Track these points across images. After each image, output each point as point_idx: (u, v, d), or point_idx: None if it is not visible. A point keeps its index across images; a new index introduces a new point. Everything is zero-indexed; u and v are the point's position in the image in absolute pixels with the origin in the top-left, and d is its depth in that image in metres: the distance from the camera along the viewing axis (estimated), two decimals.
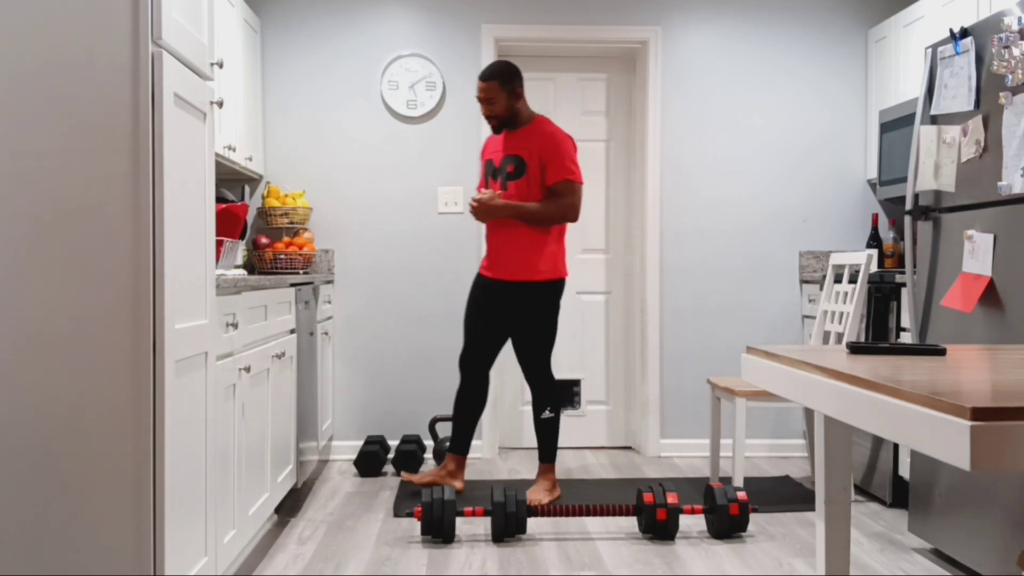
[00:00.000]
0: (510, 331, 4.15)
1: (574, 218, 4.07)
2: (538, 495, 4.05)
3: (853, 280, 4.44)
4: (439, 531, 3.50)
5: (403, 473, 4.24)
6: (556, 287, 4.11)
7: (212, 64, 2.60)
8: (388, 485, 4.44)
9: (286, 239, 4.79)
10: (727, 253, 5.15)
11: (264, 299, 3.29)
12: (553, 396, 4.15)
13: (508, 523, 3.52)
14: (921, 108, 3.39)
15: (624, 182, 5.35)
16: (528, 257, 4.07)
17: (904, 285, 3.87)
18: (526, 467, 4.83)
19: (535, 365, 4.13)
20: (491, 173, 4.21)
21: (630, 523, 3.82)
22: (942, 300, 3.26)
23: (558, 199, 4.05)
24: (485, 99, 4.11)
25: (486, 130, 5.05)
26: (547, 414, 4.14)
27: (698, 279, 5.15)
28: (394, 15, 5.06)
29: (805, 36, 5.15)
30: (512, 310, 4.10)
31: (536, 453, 5.17)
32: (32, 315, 2.12)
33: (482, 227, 5.05)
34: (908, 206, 3.42)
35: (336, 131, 5.06)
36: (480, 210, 4.06)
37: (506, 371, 5.28)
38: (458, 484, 4.17)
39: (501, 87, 4.09)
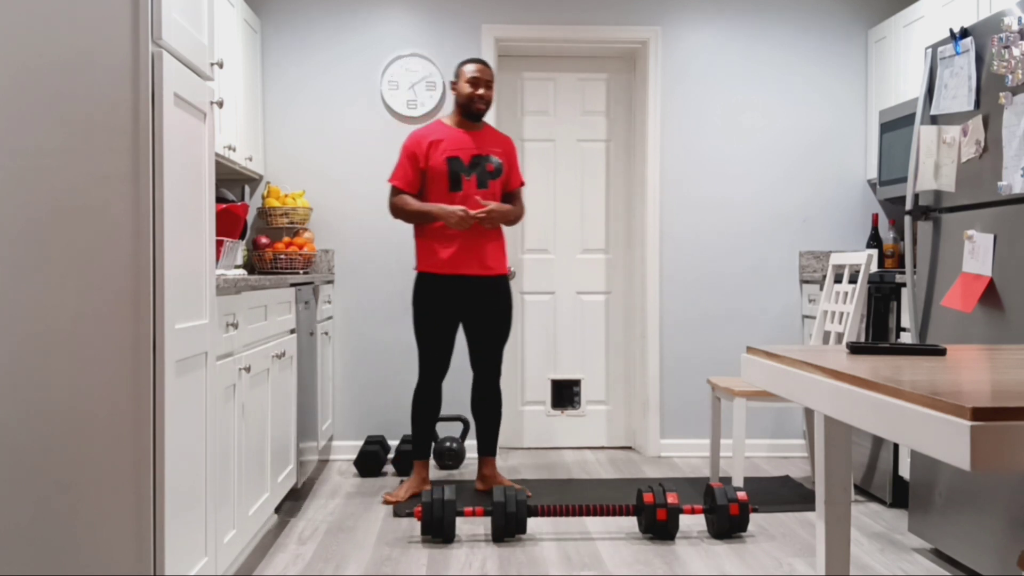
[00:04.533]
0: (479, 328, 4.17)
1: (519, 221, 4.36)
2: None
3: (853, 280, 4.44)
4: (439, 531, 3.50)
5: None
6: None
7: (212, 64, 2.60)
8: (388, 485, 4.44)
9: (286, 239, 4.79)
10: (727, 253, 5.15)
11: (264, 299, 3.29)
12: (500, 394, 4.29)
13: (508, 523, 3.52)
14: (921, 108, 3.39)
15: (624, 182, 5.35)
16: (503, 250, 4.21)
17: (904, 285, 3.87)
18: (526, 467, 4.83)
19: (498, 358, 4.22)
20: (461, 170, 4.08)
21: (630, 523, 3.82)
22: (942, 300, 3.26)
23: (518, 203, 4.25)
24: (486, 81, 4.13)
25: None
26: (499, 411, 4.28)
27: (698, 279, 5.14)
28: (394, 15, 5.06)
29: (805, 36, 5.15)
30: (493, 304, 4.15)
31: (535, 452, 5.18)
32: (32, 315, 2.12)
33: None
34: (908, 206, 3.42)
35: (336, 131, 5.06)
36: (499, 218, 4.07)
37: (506, 370, 5.28)
38: (427, 485, 4.23)
39: (494, 78, 4.21)
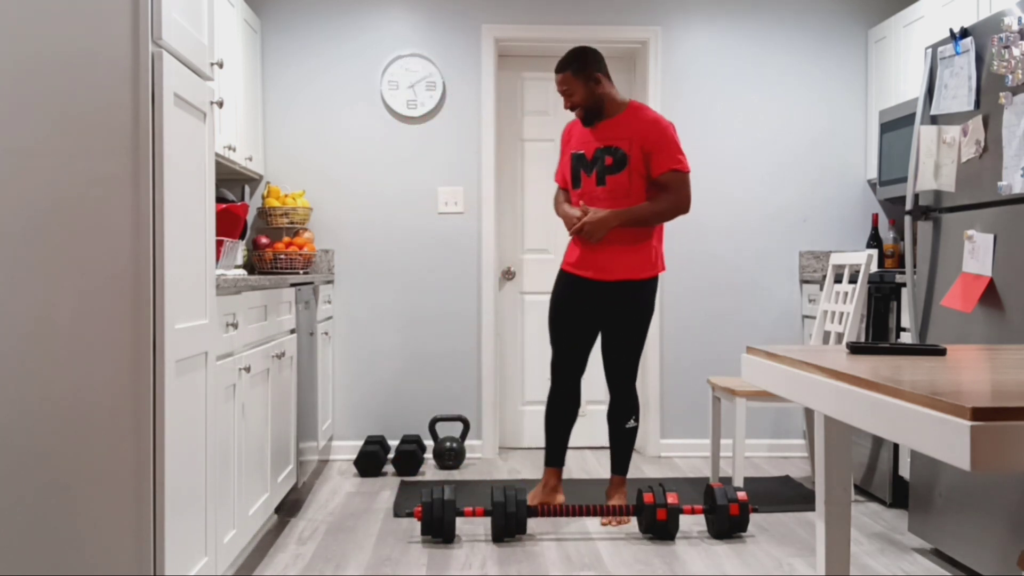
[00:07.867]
0: (606, 333, 3.85)
1: (686, 210, 3.76)
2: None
3: (853, 280, 4.44)
4: (439, 531, 3.50)
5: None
6: (655, 285, 3.85)
7: (212, 64, 2.60)
8: (388, 485, 4.44)
9: (286, 239, 4.79)
10: (727, 253, 5.15)
11: (264, 299, 3.29)
12: (637, 404, 3.90)
13: (508, 523, 3.52)
14: (921, 108, 3.39)
15: None
16: (631, 256, 3.78)
17: (904, 285, 3.86)
18: (526, 467, 4.83)
19: (628, 369, 3.85)
20: (582, 167, 3.81)
21: (630, 523, 3.82)
22: (942, 300, 3.26)
23: (667, 193, 3.73)
24: (564, 91, 3.81)
25: (487, 131, 5.04)
26: (632, 423, 3.88)
27: (698, 279, 5.14)
28: (394, 15, 5.06)
29: (805, 36, 5.15)
30: (614, 311, 3.81)
31: (539, 454, 5.17)
32: (32, 315, 2.12)
33: (483, 227, 5.05)
34: (908, 206, 3.42)
35: (336, 131, 5.06)
36: (594, 229, 3.70)
37: (506, 370, 5.28)
38: (560, 498, 3.90)
39: (575, 76, 3.77)
